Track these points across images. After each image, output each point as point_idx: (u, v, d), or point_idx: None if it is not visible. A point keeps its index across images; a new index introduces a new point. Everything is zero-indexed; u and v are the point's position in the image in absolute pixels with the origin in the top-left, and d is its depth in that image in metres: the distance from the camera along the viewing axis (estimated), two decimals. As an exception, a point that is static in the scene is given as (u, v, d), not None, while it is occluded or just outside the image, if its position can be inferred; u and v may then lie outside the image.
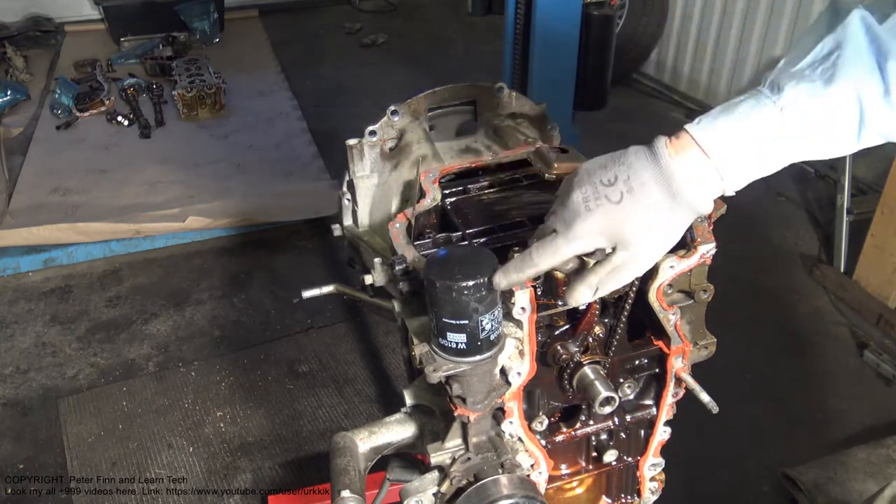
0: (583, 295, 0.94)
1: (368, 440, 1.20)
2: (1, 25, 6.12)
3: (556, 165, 1.22)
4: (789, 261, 3.56)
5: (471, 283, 0.91)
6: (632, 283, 1.09)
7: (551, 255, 0.92)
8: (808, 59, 0.86)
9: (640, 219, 0.88)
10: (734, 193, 0.91)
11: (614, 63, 4.95)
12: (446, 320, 0.95)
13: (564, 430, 1.26)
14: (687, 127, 0.88)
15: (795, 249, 3.64)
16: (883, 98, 0.84)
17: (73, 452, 2.58)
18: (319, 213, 3.76)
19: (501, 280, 0.94)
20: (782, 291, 3.35)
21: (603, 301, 1.13)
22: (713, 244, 1.09)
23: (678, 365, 1.20)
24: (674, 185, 0.87)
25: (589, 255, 0.94)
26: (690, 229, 1.09)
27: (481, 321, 0.95)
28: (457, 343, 0.96)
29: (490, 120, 1.70)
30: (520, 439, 1.16)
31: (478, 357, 0.98)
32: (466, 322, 0.94)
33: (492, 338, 0.98)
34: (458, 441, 1.11)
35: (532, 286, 1.01)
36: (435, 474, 1.13)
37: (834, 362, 2.93)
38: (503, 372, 1.06)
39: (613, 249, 0.91)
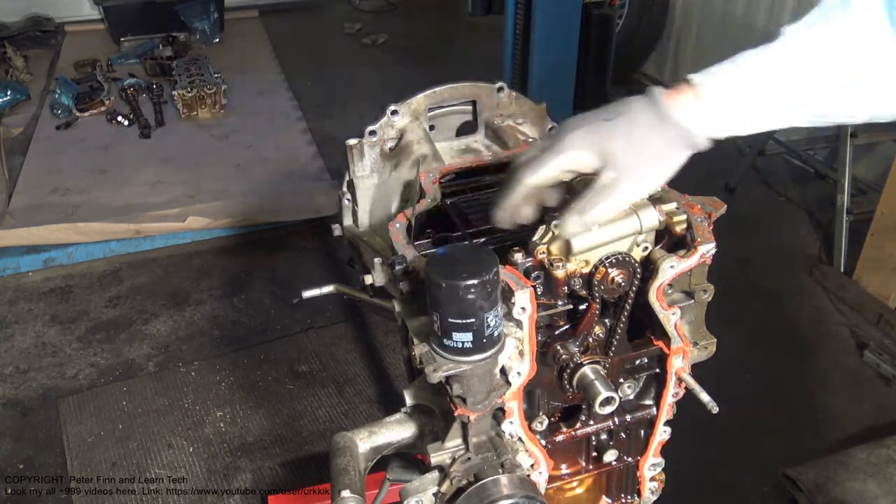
0: (572, 223, 0.91)
1: (368, 440, 1.19)
2: (1, 25, 6.13)
3: (556, 165, 1.22)
4: (789, 261, 3.56)
5: (476, 281, 0.91)
6: (632, 283, 1.09)
7: (535, 169, 0.91)
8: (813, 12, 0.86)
9: (627, 136, 0.88)
10: (722, 135, 0.90)
11: (614, 63, 4.96)
12: (452, 320, 0.94)
13: (564, 430, 1.26)
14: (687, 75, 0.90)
15: (795, 249, 3.64)
16: (890, 26, 0.80)
17: (73, 452, 2.58)
18: (319, 213, 3.76)
19: (496, 212, 0.95)
20: (782, 291, 3.35)
21: (603, 301, 1.13)
22: (713, 244, 1.08)
23: (678, 365, 1.20)
24: (662, 109, 0.88)
25: (576, 186, 0.93)
26: (690, 229, 1.09)
27: (486, 319, 0.94)
28: (463, 342, 0.96)
29: (490, 120, 1.70)
30: (520, 439, 1.16)
31: (482, 355, 0.98)
32: (473, 321, 0.94)
33: (495, 335, 0.98)
34: (458, 441, 1.11)
35: (532, 286, 1.01)
36: (435, 474, 1.13)
37: (834, 362, 2.93)
38: (503, 372, 1.06)
39: (601, 169, 0.90)
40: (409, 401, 1.19)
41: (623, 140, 0.87)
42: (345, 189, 1.77)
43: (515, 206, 0.96)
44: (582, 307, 1.14)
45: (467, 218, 1.32)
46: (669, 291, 1.13)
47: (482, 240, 1.23)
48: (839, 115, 0.87)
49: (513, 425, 1.14)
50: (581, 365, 1.17)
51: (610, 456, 1.32)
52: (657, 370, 1.25)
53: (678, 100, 0.88)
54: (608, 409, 1.16)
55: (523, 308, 1.02)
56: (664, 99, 0.88)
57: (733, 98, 0.87)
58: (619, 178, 0.88)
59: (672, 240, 1.11)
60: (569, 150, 0.89)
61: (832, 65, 0.83)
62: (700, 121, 0.88)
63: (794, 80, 0.84)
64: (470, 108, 1.73)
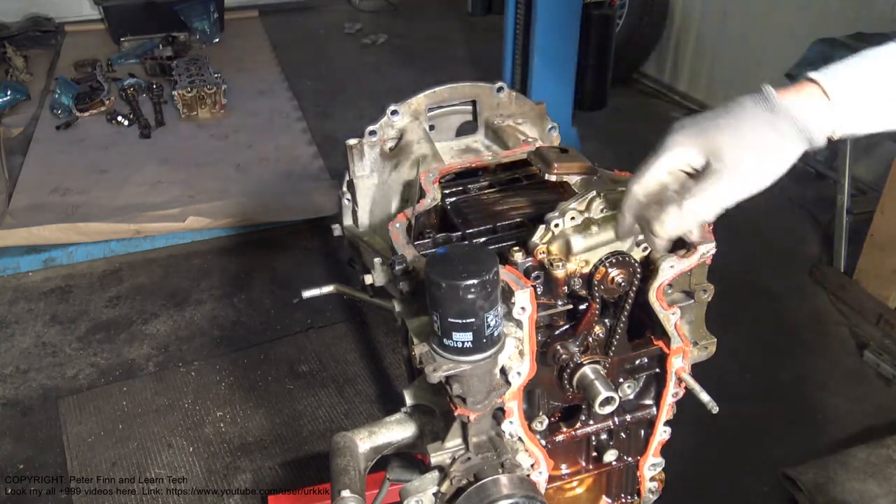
0: (671, 217, 0.85)
1: (368, 440, 1.19)
2: (1, 25, 6.13)
3: (556, 165, 1.22)
4: (789, 261, 3.56)
5: (476, 281, 0.91)
6: (632, 283, 1.09)
7: (640, 174, 0.87)
8: None
9: (735, 128, 0.83)
10: (846, 132, 0.86)
11: (614, 63, 4.96)
12: (452, 320, 0.94)
13: (564, 429, 1.26)
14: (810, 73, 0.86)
15: (795, 249, 3.64)
16: None
17: (73, 452, 2.58)
18: (319, 213, 3.76)
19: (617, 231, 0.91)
20: (782, 291, 3.35)
21: (603, 301, 1.13)
22: (713, 244, 1.08)
23: (678, 365, 1.20)
24: (774, 102, 0.84)
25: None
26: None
27: (487, 318, 0.94)
28: (463, 342, 0.96)
29: (490, 120, 1.70)
30: (520, 439, 1.16)
31: (482, 355, 0.98)
32: (473, 320, 0.94)
33: (495, 335, 0.98)
34: (458, 441, 1.11)
35: (532, 286, 1.01)
36: (435, 474, 1.13)
37: (834, 362, 2.93)
38: (503, 372, 1.06)
39: (707, 166, 0.85)
40: (409, 401, 1.19)
41: (731, 133, 0.83)
42: (345, 189, 1.77)
43: (630, 225, 0.92)
44: (582, 307, 1.14)
45: (467, 218, 1.32)
46: (669, 291, 1.13)
47: (482, 240, 1.23)
48: None
49: (513, 425, 1.14)
50: (581, 365, 1.17)
51: (610, 456, 1.32)
52: (657, 370, 1.25)
53: (797, 95, 0.85)
54: (608, 409, 1.16)
55: (523, 308, 1.02)
56: (779, 95, 0.85)
57: (860, 92, 0.83)
58: (722, 171, 0.84)
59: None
60: (673, 148, 0.85)
61: None
62: (821, 115, 0.85)
63: None
64: (470, 108, 1.73)
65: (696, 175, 0.87)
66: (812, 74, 0.85)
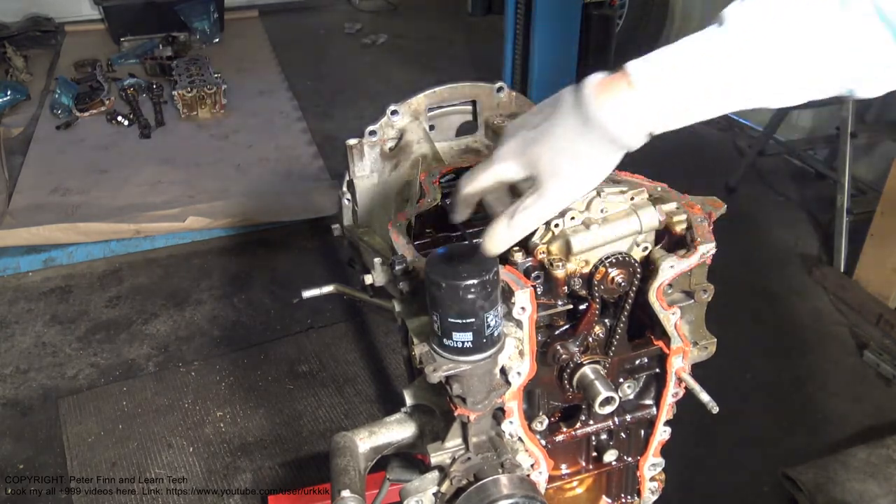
0: (499, 231, 0.89)
1: (368, 440, 1.19)
2: (1, 25, 6.13)
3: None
4: (789, 261, 3.56)
5: (476, 281, 0.91)
6: (632, 283, 1.09)
7: (470, 181, 0.92)
8: None
9: (551, 143, 0.85)
10: (660, 130, 0.84)
11: (614, 63, 4.96)
12: (452, 320, 0.94)
13: (564, 429, 1.26)
14: (626, 63, 0.82)
15: (795, 249, 3.64)
16: (839, 8, 0.74)
17: (73, 452, 2.58)
18: (319, 213, 3.76)
19: (452, 214, 0.96)
20: (782, 291, 3.35)
21: (603, 301, 1.13)
22: (713, 244, 1.08)
23: (678, 365, 1.20)
24: (588, 112, 0.82)
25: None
26: (690, 229, 1.09)
27: (487, 318, 0.95)
28: (463, 342, 0.96)
29: (490, 120, 1.70)
30: (520, 439, 1.16)
31: (482, 355, 0.98)
32: (473, 320, 0.94)
33: (495, 335, 0.98)
34: (458, 441, 1.11)
35: (532, 286, 1.01)
36: (435, 474, 1.13)
37: (834, 362, 2.93)
38: (503, 372, 1.06)
39: (529, 178, 0.88)
40: (409, 401, 1.19)
41: (547, 147, 0.85)
42: (345, 189, 1.77)
43: (463, 211, 0.97)
44: (582, 307, 1.14)
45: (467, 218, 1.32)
46: (669, 291, 1.13)
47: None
48: (777, 102, 0.82)
49: (513, 425, 1.14)
50: (581, 365, 1.17)
51: (610, 456, 1.32)
52: (657, 370, 1.25)
53: (608, 94, 0.82)
54: (608, 409, 1.16)
55: (523, 308, 1.02)
56: (594, 94, 0.82)
57: (669, 88, 0.80)
58: (542, 184, 0.86)
59: (672, 240, 1.11)
60: (497, 163, 0.89)
61: (780, 51, 0.77)
62: (632, 117, 0.82)
63: (738, 69, 0.78)
64: (470, 108, 1.73)
65: (521, 184, 0.91)
66: (628, 63, 0.82)
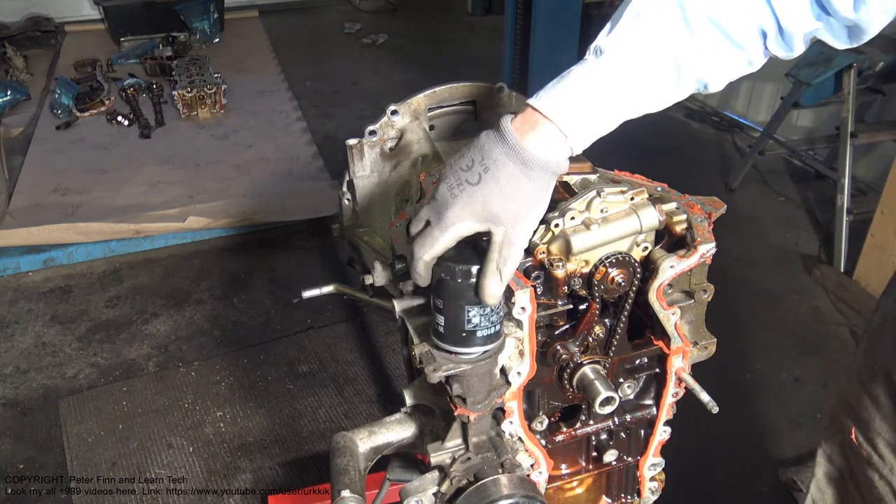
0: (493, 284, 0.94)
1: (368, 440, 1.20)
2: (1, 25, 6.13)
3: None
4: (789, 261, 3.56)
5: (463, 267, 0.94)
6: (632, 283, 1.09)
7: (430, 246, 0.94)
8: (619, 19, 0.95)
9: (500, 193, 0.91)
10: (580, 151, 0.96)
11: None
12: (433, 299, 0.98)
13: (564, 429, 1.26)
14: (528, 101, 0.94)
15: (795, 249, 3.64)
16: (685, 27, 0.91)
17: (73, 452, 2.58)
18: (319, 213, 3.76)
19: (414, 277, 0.98)
20: (782, 291, 3.35)
21: (603, 301, 1.13)
22: (713, 244, 1.09)
23: (678, 365, 1.20)
24: (524, 154, 0.91)
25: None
26: (690, 229, 1.09)
27: (468, 311, 0.95)
28: (437, 325, 0.99)
29: (490, 120, 1.70)
30: (520, 439, 1.16)
31: (462, 349, 0.98)
32: (442, 304, 0.96)
33: (478, 333, 0.98)
34: (458, 441, 1.11)
35: (532, 286, 1.01)
36: (435, 474, 1.13)
37: (834, 362, 2.93)
38: (503, 372, 1.06)
39: (490, 232, 0.93)
40: (409, 401, 1.19)
41: (501, 199, 0.91)
42: (345, 189, 1.77)
43: (426, 275, 0.99)
44: (582, 307, 1.14)
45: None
46: (669, 291, 1.13)
47: (483, 239, 1.23)
48: (654, 107, 0.97)
49: (513, 425, 1.14)
50: (581, 365, 1.17)
51: (610, 456, 1.32)
52: (657, 370, 1.25)
53: (533, 132, 0.92)
54: (608, 409, 1.16)
55: (523, 308, 1.02)
56: (520, 137, 0.91)
57: (575, 113, 0.92)
58: (508, 234, 0.92)
59: (672, 240, 1.11)
60: (455, 225, 0.92)
61: (647, 69, 0.93)
62: (560, 145, 0.92)
63: (619, 88, 0.93)
64: (470, 108, 1.73)
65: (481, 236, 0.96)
66: (535, 103, 0.93)
